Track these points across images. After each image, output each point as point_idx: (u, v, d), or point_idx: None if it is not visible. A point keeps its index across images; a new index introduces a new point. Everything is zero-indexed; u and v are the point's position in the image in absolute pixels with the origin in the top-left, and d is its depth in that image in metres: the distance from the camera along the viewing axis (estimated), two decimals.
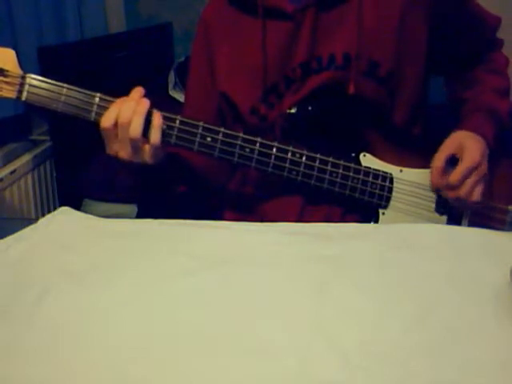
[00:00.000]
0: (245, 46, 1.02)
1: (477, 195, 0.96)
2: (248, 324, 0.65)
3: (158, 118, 0.89)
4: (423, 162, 1.00)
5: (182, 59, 2.15)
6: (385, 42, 0.98)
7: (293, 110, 0.99)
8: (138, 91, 0.89)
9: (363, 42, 0.97)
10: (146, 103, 0.88)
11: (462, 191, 0.95)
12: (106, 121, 0.87)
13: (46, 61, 1.62)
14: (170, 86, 2.13)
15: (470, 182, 0.95)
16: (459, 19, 1.04)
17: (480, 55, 1.11)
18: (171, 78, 2.14)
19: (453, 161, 0.97)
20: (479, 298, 0.70)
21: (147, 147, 0.89)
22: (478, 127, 0.99)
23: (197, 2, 2.14)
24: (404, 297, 0.70)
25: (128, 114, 0.86)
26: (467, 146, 0.96)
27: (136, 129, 0.87)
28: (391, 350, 0.61)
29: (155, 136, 0.88)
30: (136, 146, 0.88)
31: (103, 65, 1.89)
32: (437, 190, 0.99)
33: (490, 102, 1.05)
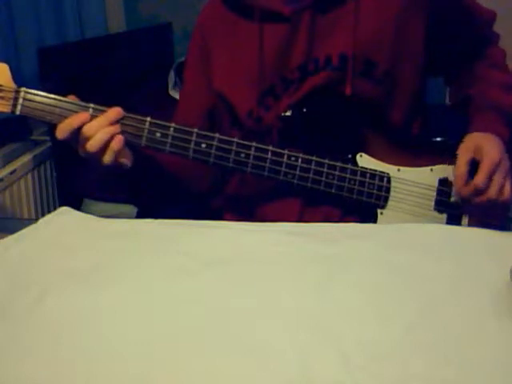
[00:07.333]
0: (242, 49, 1.02)
1: (507, 192, 0.93)
2: (248, 324, 0.65)
3: (117, 143, 0.87)
4: (421, 160, 1.00)
5: (182, 59, 2.15)
6: (382, 42, 0.98)
7: (288, 113, 0.99)
8: (118, 113, 0.88)
9: (360, 42, 0.97)
10: (118, 128, 0.87)
11: (492, 192, 0.92)
12: (60, 133, 0.87)
13: (46, 61, 1.61)
14: (170, 85, 2.13)
15: (496, 180, 0.92)
16: (455, 17, 1.04)
17: (478, 51, 1.11)
18: (171, 77, 2.14)
19: (472, 166, 0.94)
20: (479, 298, 0.70)
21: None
22: (490, 126, 0.99)
23: (197, 2, 2.14)
24: (404, 296, 0.70)
25: (93, 131, 0.86)
26: (484, 146, 0.94)
27: (94, 145, 0.86)
28: (391, 350, 0.61)
29: (108, 158, 0.87)
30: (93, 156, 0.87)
31: (103, 65, 1.89)
32: (462, 200, 0.96)
33: (496, 97, 1.04)
